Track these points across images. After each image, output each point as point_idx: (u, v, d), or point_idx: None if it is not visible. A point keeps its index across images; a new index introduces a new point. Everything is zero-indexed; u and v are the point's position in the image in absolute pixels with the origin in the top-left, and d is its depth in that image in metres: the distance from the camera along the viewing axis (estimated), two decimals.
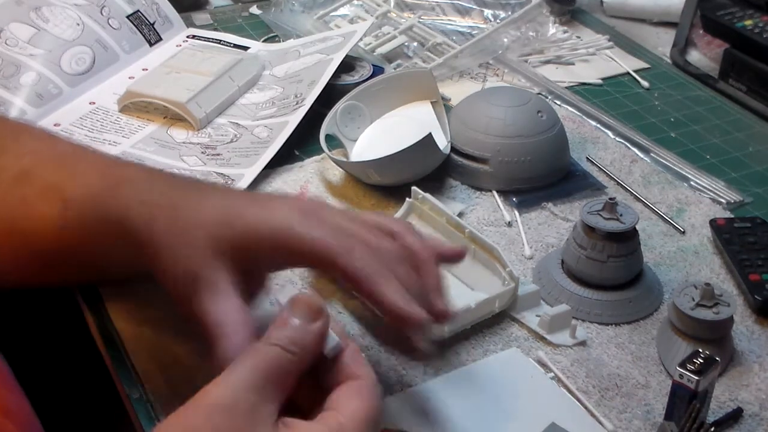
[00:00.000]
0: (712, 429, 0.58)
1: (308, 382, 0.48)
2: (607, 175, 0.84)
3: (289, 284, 0.57)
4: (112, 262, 0.60)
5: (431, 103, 0.88)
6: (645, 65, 1.06)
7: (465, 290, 0.68)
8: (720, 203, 0.81)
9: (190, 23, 1.08)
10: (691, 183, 0.84)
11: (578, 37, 1.11)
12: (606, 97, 1.00)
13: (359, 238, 0.53)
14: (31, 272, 0.62)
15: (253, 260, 0.53)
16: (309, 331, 0.47)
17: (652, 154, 0.88)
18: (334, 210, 0.57)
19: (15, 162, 0.60)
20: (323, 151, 0.82)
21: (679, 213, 0.80)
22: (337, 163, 0.82)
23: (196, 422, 0.43)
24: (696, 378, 0.53)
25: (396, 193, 0.78)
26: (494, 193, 0.81)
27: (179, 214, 0.53)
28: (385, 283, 0.52)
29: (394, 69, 0.98)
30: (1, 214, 0.59)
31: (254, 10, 1.15)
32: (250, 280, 0.54)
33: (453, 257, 0.60)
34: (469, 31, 1.09)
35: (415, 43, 1.05)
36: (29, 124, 0.72)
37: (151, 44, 1.01)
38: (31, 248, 0.60)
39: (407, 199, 0.74)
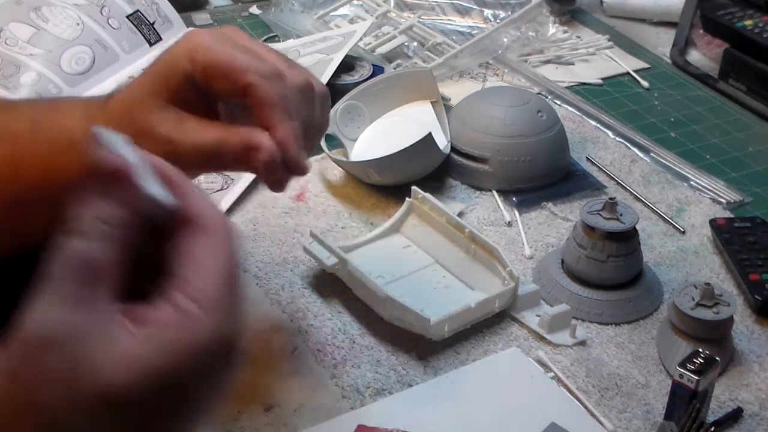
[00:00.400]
0: (712, 429, 0.58)
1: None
2: (607, 175, 0.84)
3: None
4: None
5: (431, 103, 0.88)
6: (645, 65, 1.06)
7: (465, 290, 0.68)
8: (720, 203, 0.81)
9: (190, 23, 1.08)
10: (691, 183, 0.84)
11: (578, 37, 1.11)
12: (606, 97, 1.00)
13: (270, 61, 0.54)
14: None
15: (182, 86, 0.54)
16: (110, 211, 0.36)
17: (652, 154, 0.88)
18: (248, 36, 0.57)
19: None
20: (323, 151, 0.81)
21: (679, 213, 0.80)
22: (337, 162, 0.82)
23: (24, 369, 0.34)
24: (696, 378, 0.53)
25: (396, 193, 0.78)
26: (494, 192, 0.81)
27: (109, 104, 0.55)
28: (284, 118, 0.53)
29: (394, 69, 0.98)
30: None
31: (254, 10, 1.15)
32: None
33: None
34: (469, 31, 1.09)
35: (415, 43, 1.05)
36: None
37: (150, 44, 1.01)
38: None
39: (407, 198, 0.74)
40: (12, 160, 0.56)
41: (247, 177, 0.80)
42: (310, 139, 0.57)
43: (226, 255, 0.37)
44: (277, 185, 0.56)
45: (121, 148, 0.36)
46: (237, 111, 0.56)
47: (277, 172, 0.54)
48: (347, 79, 0.93)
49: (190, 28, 0.57)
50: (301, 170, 0.56)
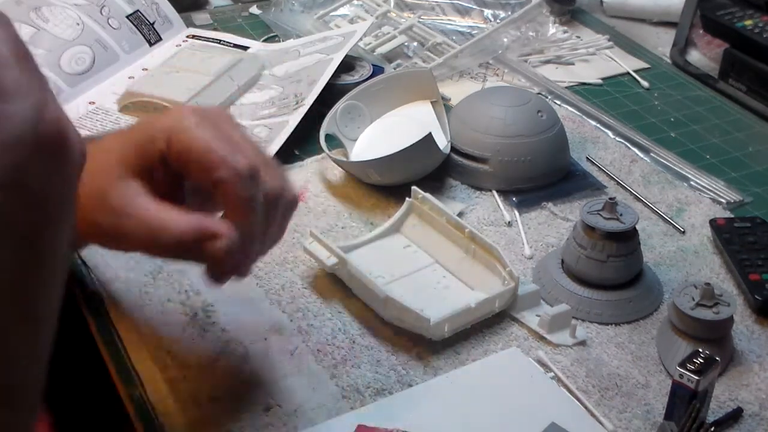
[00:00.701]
0: (712, 429, 0.58)
1: None
2: (607, 175, 0.84)
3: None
4: None
5: (431, 103, 0.88)
6: (645, 65, 1.06)
7: (465, 290, 0.68)
8: (720, 203, 0.81)
9: (189, 23, 1.08)
10: (691, 183, 0.84)
11: (578, 37, 1.11)
12: (606, 97, 1.00)
13: (246, 156, 0.53)
14: None
15: (154, 164, 0.53)
16: None
17: (652, 154, 0.88)
18: (232, 122, 0.56)
19: None
20: (323, 151, 0.81)
21: (679, 213, 0.80)
22: (337, 162, 0.82)
23: None
24: (696, 378, 0.53)
25: (396, 193, 0.78)
26: (494, 192, 0.81)
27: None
28: (247, 223, 0.52)
29: (394, 69, 0.98)
30: None
31: (254, 10, 1.15)
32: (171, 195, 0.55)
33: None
34: (469, 31, 1.09)
35: (415, 43, 1.05)
36: None
37: (150, 44, 1.01)
38: None
39: (407, 198, 0.74)
40: None
41: None
42: (261, 246, 0.55)
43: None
44: (219, 276, 0.54)
45: None
46: (204, 196, 0.55)
47: (224, 270, 0.53)
48: (347, 79, 0.93)
49: (176, 107, 0.57)
50: (245, 273, 0.54)
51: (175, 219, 0.52)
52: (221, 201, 0.52)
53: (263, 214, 0.53)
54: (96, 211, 0.52)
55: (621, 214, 0.67)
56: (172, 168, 0.53)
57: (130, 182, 0.53)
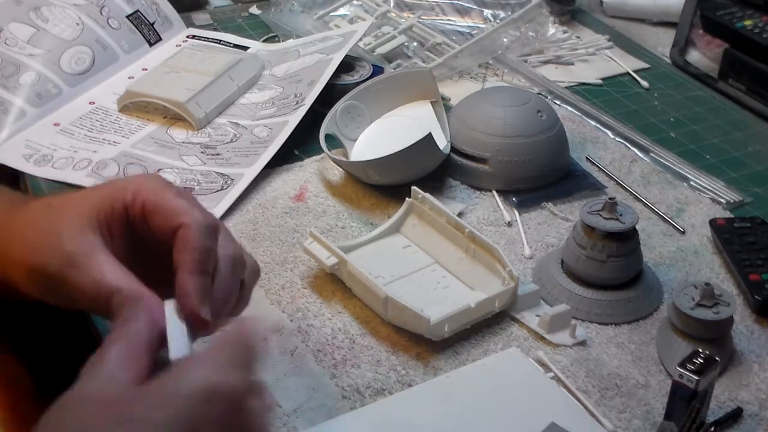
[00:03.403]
0: (712, 429, 0.58)
1: None
2: (607, 175, 0.84)
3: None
4: None
5: (431, 103, 0.88)
6: (645, 65, 1.06)
7: (465, 290, 0.68)
8: (720, 203, 0.81)
9: (189, 23, 1.08)
10: (691, 183, 0.84)
11: (578, 37, 1.11)
12: (606, 97, 1.00)
13: (204, 212, 0.53)
14: None
15: (116, 218, 0.53)
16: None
17: (651, 154, 0.88)
18: (187, 194, 0.56)
19: None
20: (323, 151, 0.82)
21: (678, 213, 0.80)
22: (337, 162, 0.82)
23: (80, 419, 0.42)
24: (696, 378, 0.53)
25: (396, 193, 0.78)
26: (494, 192, 0.81)
27: (40, 211, 0.54)
28: (197, 270, 0.51)
29: (394, 69, 0.98)
30: None
31: (254, 10, 1.15)
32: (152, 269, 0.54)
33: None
34: (468, 31, 1.09)
35: (415, 43, 1.05)
36: None
37: (150, 44, 1.01)
38: None
39: (407, 199, 0.74)
40: None
41: (247, 177, 0.80)
42: (221, 305, 0.52)
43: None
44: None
45: (169, 320, 0.48)
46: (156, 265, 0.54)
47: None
48: (347, 79, 0.93)
49: (140, 174, 0.58)
50: (203, 324, 0.51)
51: (127, 283, 0.50)
52: (176, 246, 0.51)
53: (228, 275, 0.52)
54: (44, 257, 0.51)
55: (621, 214, 0.67)
56: (134, 228, 0.53)
57: (87, 232, 0.52)
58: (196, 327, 0.50)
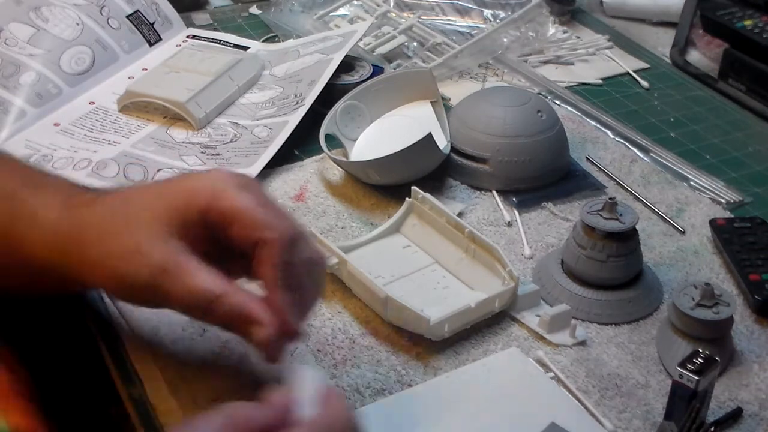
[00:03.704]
0: (712, 429, 0.58)
1: None
2: (607, 175, 0.84)
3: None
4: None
5: (431, 103, 0.88)
6: (645, 65, 1.06)
7: (465, 290, 0.68)
8: (720, 203, 0.81)
9: (189, 23, 1.08)
10: (691, 183, 0.84)
11: (578, 37, 1.11)
12: (606, 97, 1.00)
13: (287, 224, 0.53)
14: None
15: (193, 223, 0.52)
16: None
17: (651, 154, 0.88)
18: (265, 191, 0.56)
19: None
20: (323, 151, 0.81)
21: (678, 213, 0.80)
22: (337, 162, 0.82)
23: None
24: (696, 378, 0.53)
25: (396, 193, 0.78)
26: (494, 192, 0.81)
27: (112, 212, 0.54)
28: (285, 286, 0.51)
29: (394, 69, 0.98)
30: None
31: (254, 10, 1.15)
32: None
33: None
34: (468, 31, 1.09)
35: (415, 43, 1.05)
36: None
37: (150, 44, 1.01)
38: None
39: (407, 199, 0.74)
40: None
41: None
42: (306, 310, 0.55)
43: None
44: (273, 358, 0.53)
45: (306, 384, 0.47)
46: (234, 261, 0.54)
47: (276, 350, 0.52)
48: (347, 79, 0.93)
49: (213, 169, 0.57)
50: (298, 337, 0.53)
51: (230, 292, 0.51)
52: (259, 262, 0.51)
53: (309, 282, 0.53)
54: (132, 267, 0.51)
55: (621, 214, 0.67)
56: (209, 228, 0.52)
57: (169, 240, 0.51)
58: (289, 338, 0.52)
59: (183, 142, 0.85)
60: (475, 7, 1.12)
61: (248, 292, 0.52)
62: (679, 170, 0.86)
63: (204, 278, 0.51)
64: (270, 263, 0.51)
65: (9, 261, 0.56)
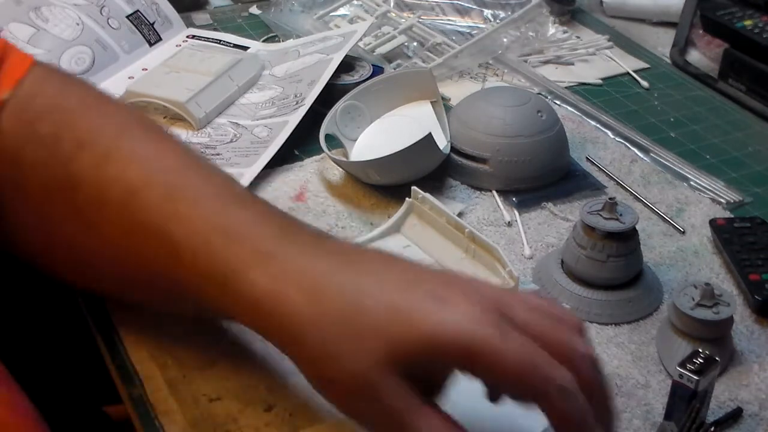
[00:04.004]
0: (712, 429, 0.58)
1: None
2: (607, 175, 0.84)
3: None
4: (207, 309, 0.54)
5: (431, 103, 0.88)
6: (645, 65, 1.06)
7: None
8: (720, 203, 0.81)
9: (189, 23, 1.08)
10: (691, 183, 0.84)
11: (578, 37, 1.11)
12: (606, 97, 1.00)
13: (568, 360, 0.46)
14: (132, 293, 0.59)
15: (431, 366, 0.47)
16: None
17: (651, 154, 0.88)
18: (521, 303, 0.47)
19: (122, 174, 0.54)
20: (323, 151, 0.81)
21: (678, 213, 0.80)
22: (337, 162, 0.82)
23: None
24: (696, 378, 0.53)
25: (396, 193, 0.78)
26: (494, 192, 0.81)
27: (341, 314, 0.46)
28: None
29: (394, 69, 0.98)
30: (115, 237, 0.54)
31: (254, 10, 1.15)
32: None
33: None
34: (468, 31, 1.09)
35: (415, 43, 1.05)
36: (123, 107, 0.62)
37: (150, 44, 1.01)
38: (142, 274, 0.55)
39: (407, 199, 0.74)
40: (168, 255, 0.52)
41: (247, 177, 0.80)
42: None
43: None
44: None
45: None
46: None
47: None
48: (347, 79, 0.93)
49: (461, 300, 0.45)
50: None
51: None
52: (544, 409, 0.46)
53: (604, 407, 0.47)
54: (352, 396, 0.46)
55: (621, 214, 0.67)
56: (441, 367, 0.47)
57: (401, 382, 0.45)
58: None
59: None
60: (475, 7, 1.12)
61: None
62: (679, 170, 0.86)
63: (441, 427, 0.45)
64: (553, 415, 0.45)
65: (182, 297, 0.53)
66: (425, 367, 0.46)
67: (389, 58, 1.02)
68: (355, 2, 1.12)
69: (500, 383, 0.46)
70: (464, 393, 0.60)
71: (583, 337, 0.48)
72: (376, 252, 0.52)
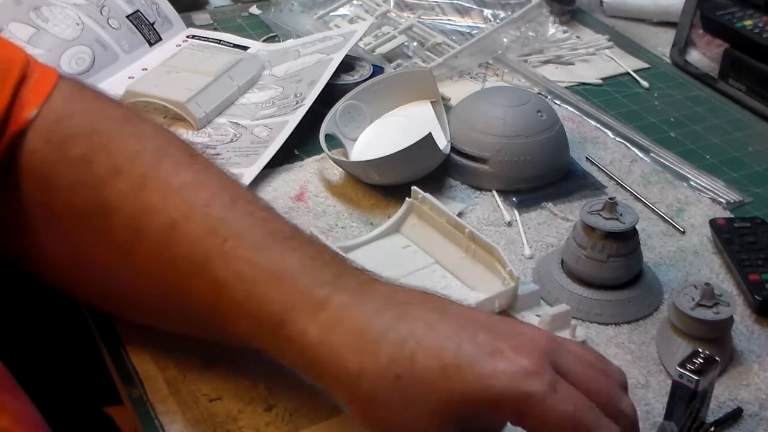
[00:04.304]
0: (712, 429, 0.58)
1: None
2: (607, 175, 0.84)
3: None
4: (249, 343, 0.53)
5: (431, 102, 0.88)
6: (645, 65, 1.06)
7: (465, 290, 0.68)
8: (720, 203, 0.81)
9: (189, 23, 1.08)
10: (691, 183, 0.84)
11: (578, 37, 1.11)
12: (606, 97, 1.00)
13: (613, 411, 0.47)
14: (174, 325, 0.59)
15: (484, 420, 0.47)
16: None
17: (651, 154, 0.88)
18: (569, 353, 0.48)
19: (162, 205, 0.53)
20: (323, 151, 0.82)
21: (678, 213, 0.80)
22: (337, 162, 0.82)
23: None
24: (696, 378, 0.53)
25: (396, 192, 0.78)
26: (494, 192, 0.81)
27: (393, 366, 0.46)
28: None
29: (394, 69, 0.98)
30: (152, 269, 0.53)
31: (254, 10, 1.15)
32: None
33: None
34: (468, 31, 1.09)
35: (415, 43, 1.05)
36: (160, 130, 0.59)
37: (150, 44, 1.01)
38: (186, 312, 0.54)
39: (407, 198, 0.74)
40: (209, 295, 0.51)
41: (248, 177, 0.80)
42: None
43: None
44: None
45: None
46: None
47: None
48: (347, 79, 0.93)
49: (515, 357, 0.46)
50: None
51: None
52: None
53: None
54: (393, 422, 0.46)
55: (621, 214, 0.67)
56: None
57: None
58: None
59: None
60: (475, 7, 1.12)
61: None
62: (679, 170, 0.86)
63: None
64: None
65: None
66: (479, 420, 0.46)
67: (389, 58, 1.02)
68: (355, 2, 1.12)
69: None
70: None
71: (626, 392, 0.50)
72: (427, 294, 0.51)
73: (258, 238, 0.52)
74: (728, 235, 0.74)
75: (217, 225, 0.52)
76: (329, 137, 0.83)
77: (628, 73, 1.04)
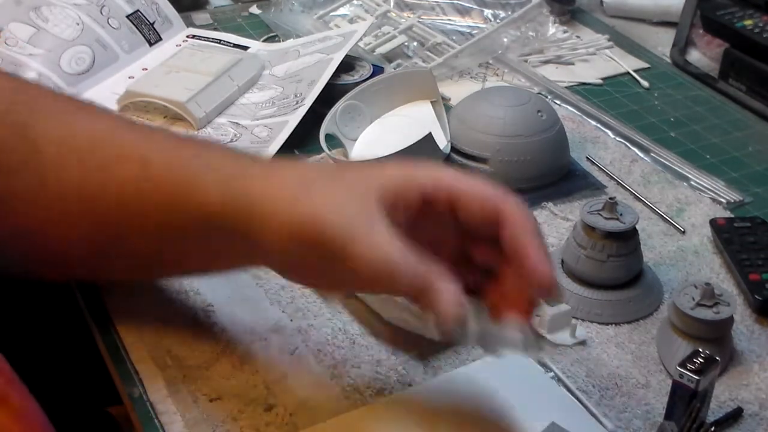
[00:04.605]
0: (712, 429, 0.58)
1: None
2: (607, 174, 0.84)
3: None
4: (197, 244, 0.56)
5: (431, 102, 0.88)
6: (645, 65, 1.06)
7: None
8: (720, 203, 0.81)
9: (189, 23, 1.08)
10: (691, 183, 0.84)
11: (578, 37, 1.11)
12: (606, 96, 1.00)
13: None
14: (98, 250, 0.59)
15: (407, 211, 0.52)
16: None
17: (652, 154, 0.88)
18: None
19: (87, 131, 0.57)
20: (323, 151, 0.81)
21: (679, 213, 0.80)
22: (337, 162, 0.82)
23: None
24: (696, 378, 0.53)
25: None
26: None
27: (330, 174, 0.54)
28: (541, 245, 0.51)
29: (394, 69, 0.98)
30: (79, 183, 0.55)
31: (254, 9, 1.15)
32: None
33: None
34: (469, 30, 1.09)
35: (415, 43, 1.05)
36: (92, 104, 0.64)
37: (150, 44, 1.01)
38: (107, 217, 0.56)
39: None
40: (132, 184, 0.54)
41: None
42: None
43: None
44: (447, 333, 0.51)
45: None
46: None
47: (449, 333, 0.50)
48: (347, 79, 0.93)
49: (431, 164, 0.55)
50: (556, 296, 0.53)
51: (413, 264, 0.49)
52: (505, 235, 0.51)
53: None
54: (326, 219, 0.49)
55: (621, 214, 0.67)
56: (423, 214, 0.52)
57: (373, 206, 0.50)
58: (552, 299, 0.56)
59: None
60: (475, 7, 1.12)
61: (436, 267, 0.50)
62: (679, 170, 0.86)
63: (388, 249, 0.49)
64: (518, 232, 0.51)
65: (183, 211, 0.54)
66: (407, 206, 0.51)
67: (389, 58, 1.02)
68: (355, 2, 1.12)
69: (466, 204, 0.52)
70: (468, 391, 0.60)
71: None
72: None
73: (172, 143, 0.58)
74: (728, 235, 0.74)
75: (137, 128, 0.59)
76: (329, 137, 0.83)
77: (628, 73, 1.04)
